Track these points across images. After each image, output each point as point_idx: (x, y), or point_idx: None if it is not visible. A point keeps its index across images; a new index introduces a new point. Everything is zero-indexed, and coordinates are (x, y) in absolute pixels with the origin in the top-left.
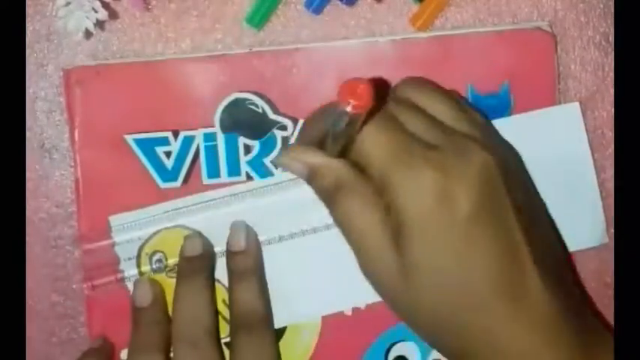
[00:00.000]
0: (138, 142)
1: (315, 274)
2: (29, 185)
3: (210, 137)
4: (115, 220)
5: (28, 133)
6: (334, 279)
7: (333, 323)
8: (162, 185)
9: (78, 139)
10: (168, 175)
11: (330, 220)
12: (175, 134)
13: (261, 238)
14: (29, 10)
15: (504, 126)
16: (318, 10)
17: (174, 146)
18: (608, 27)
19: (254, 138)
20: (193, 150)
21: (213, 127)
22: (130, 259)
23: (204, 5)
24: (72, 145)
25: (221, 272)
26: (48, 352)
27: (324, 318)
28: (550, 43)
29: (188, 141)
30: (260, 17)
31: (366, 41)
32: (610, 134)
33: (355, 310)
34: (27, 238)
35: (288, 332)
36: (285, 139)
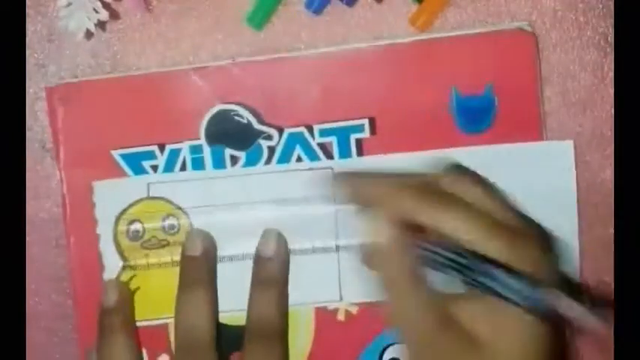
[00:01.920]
0: (124, 157)
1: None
2: (30, 185)
3: (196, 149)
4: (99, 185)
5: (28, 133)
6: None
7: (326, 328)
8: None
9: (63, 156)
10: None
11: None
12: (161, 148)
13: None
14: (30, 11)
15: (495, 155)
16: (318, 11)
17: (161, 160)
18: (607, 27)
19: (240, 149)
20: (180, 163)
21: (199, 139)
22: (107, 224)
23: (204, 6)
24: (57, 162)
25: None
26: (48, 352)
27: (317, 322)
28: (531, 43)
29: (174, 154)
30: (260, 18)
31: (349, 48)
32: (609, 134)
33: (348, 314)
34: (27, 238)
35: None
36: (270, 149)
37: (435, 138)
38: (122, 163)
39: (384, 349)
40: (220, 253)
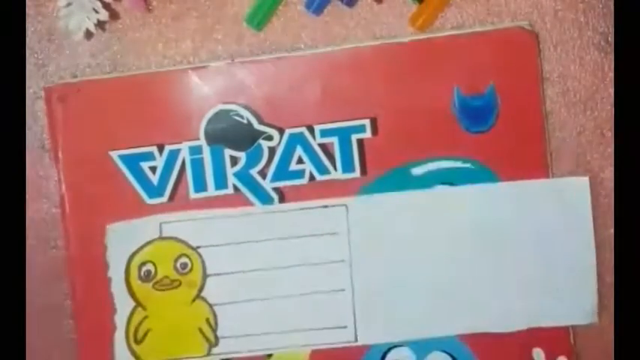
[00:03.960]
0: (123, 158)
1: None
2: (30, 186)
3: (195, 150)
4: (112, 228)
5: (28, 133)
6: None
7: None
8: (149, 201)
9: (62, 157)
10: (155, 191)
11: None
12: (160, 149)
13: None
14: (30, 11)
15: (511, 190)
16: (318, 11)
17: (160, 161)
18: (607, 27)
19: (240, 149)
20: (179, 164)
21: (198, 139)
22: (119, 266)
23: (204, 6)
24: (55, 163)
25: (209, 291)
26: (48, 352)
27: None
28: (532, 41)
29: (173, 155)
30: (260, 18)
31: (350, 47)
32: (609, 134)
33: None
34: (27, 239)
35: None
36: (271, 150)
37: (438, 138)
38: (120, 164)
39: (386, 353)
40: (237, 294)
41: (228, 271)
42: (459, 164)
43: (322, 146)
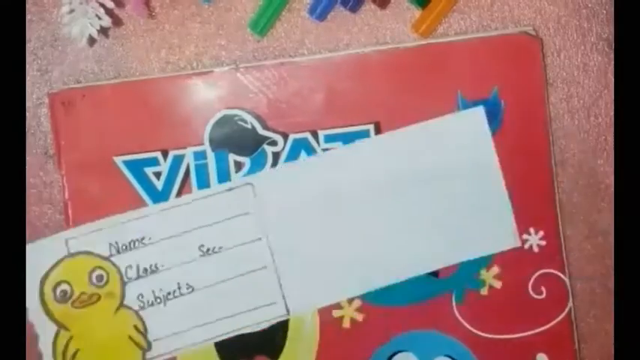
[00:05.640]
0: (127, 163)
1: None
2: (33, 192)
3: (200, 155)
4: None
5: (31, 139)
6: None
7: (331, 336)
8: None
9: (65, 162)
10: (159, 196)
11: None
12: (165, 154)
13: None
14: (34, 17)
15: (410, 134)
16: (321, 17)
17: (164, 166)
18: (610, 33)
19: (244, 154)
20: (183, 169)
21: (202, 145)
22: (32, 291)
23: (207, 12)
24: (59, 168)
25: (131, 297)
26: None
27: (322, 331)
28: (536, 46)
29: (178, 160)
30: (263, 24)
31: (354, 53)
32: (613, 140)
33: (353, 321)
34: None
35: (287, 349)
36: (275, 155)
37: None
38: (124, 169)
39: (392, 357)
40: (159, 293)
41: (147, 272)
42: None
43: (327, 151)
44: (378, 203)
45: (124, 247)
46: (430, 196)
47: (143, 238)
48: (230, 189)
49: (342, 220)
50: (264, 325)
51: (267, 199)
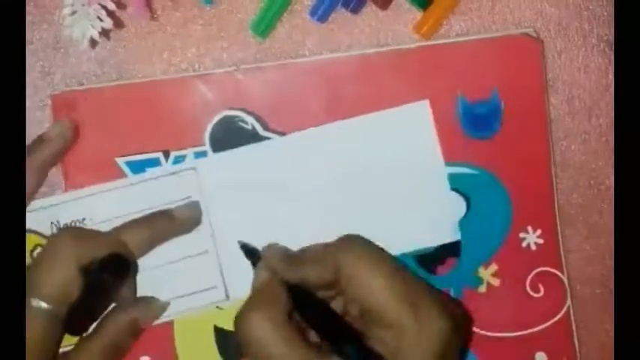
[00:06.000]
0: (129, 164)
1: None
2: (37, 194)
3: (201, 156)
4: None
5: None
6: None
7: None
8: None
9: (68, 164)
10: None
11: None
12: (166, 155)
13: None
14: (36, 19)
15: (357, 125)
16: (323, 18)
17: (166, 166)
18: (611, 34)
19: None
20: None
21: (203, 145)
22: None
23: (209, 14)
24: (62, 170)
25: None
26: None
27: None
28: (537, 48)
29: (179, 161)
30: (265, 25)
31: (354, 54)
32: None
33: None
34: None
35: None
36: None
37: (442, 144)
38: (127, 170)
39: None
40: None
41: None
42: (462, 170)
43: None
44: (321, 191)
45: (64, 227)
46: (371, 185)
47: (84, 219)
48: (173, 173)
49: (285, 207)
50: (205, 309)
51: (210, 184)
